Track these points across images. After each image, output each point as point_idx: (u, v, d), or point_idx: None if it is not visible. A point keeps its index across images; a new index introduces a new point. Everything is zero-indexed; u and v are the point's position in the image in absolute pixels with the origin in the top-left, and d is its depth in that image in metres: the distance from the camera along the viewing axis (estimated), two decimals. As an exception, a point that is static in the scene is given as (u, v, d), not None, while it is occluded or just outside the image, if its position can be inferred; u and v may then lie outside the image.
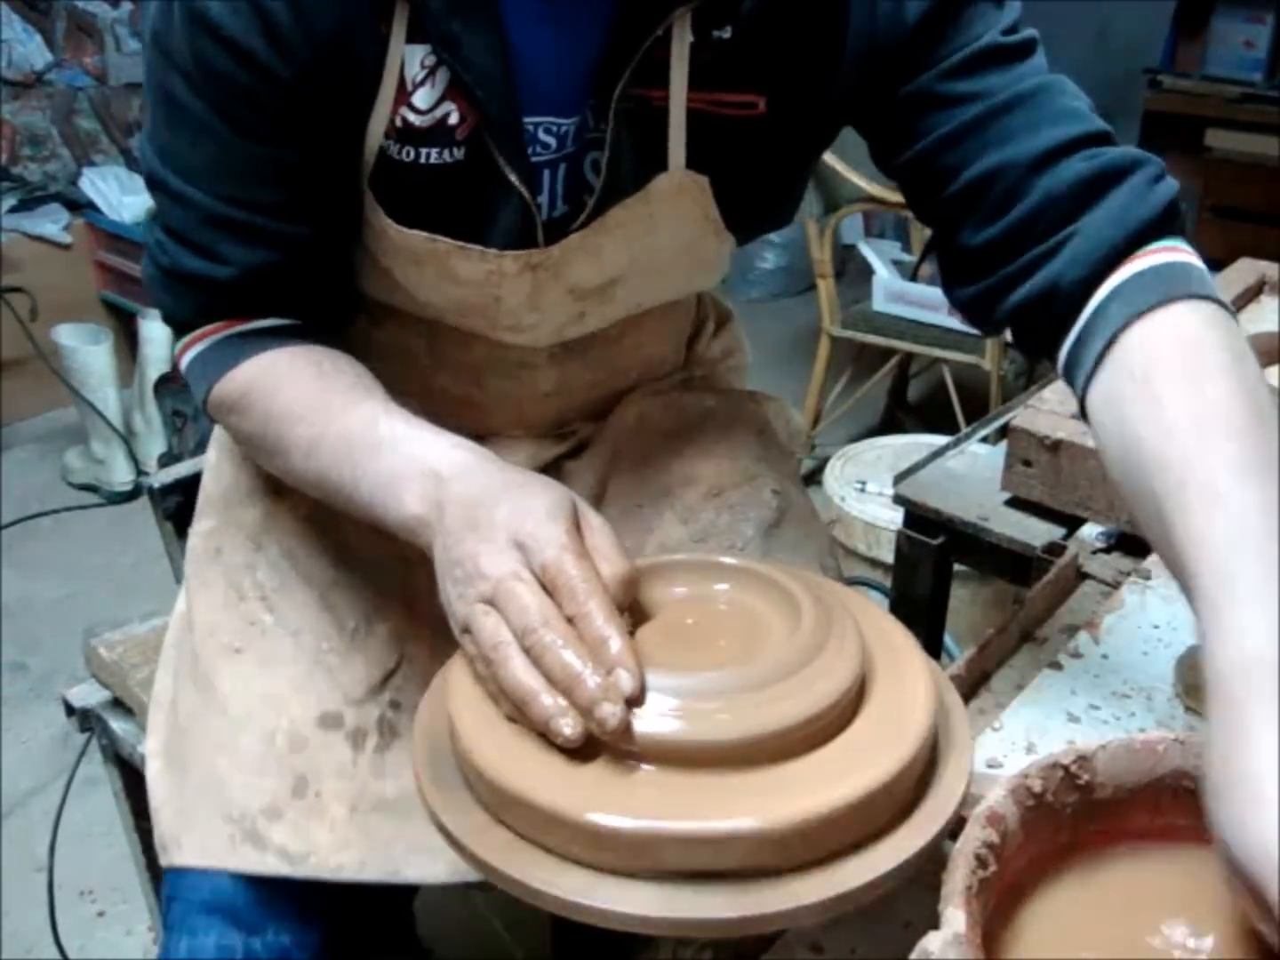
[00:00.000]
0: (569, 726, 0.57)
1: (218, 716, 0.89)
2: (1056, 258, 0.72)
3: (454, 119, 0.77)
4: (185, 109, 0.75)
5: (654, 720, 0.58)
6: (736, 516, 0.95)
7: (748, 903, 0.54)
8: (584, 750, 0.58)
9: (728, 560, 0.71)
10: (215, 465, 1.02)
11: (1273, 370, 1.22)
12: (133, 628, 1.21)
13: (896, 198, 2.37)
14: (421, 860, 0.85)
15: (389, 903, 0.98)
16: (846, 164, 2.60)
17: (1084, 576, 0.98)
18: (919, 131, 0.77)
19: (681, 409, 1.01)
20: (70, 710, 1.19)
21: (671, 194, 0.82)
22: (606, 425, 1.01)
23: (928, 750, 0.61)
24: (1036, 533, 1.03)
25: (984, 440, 1.27)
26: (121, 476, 2.86)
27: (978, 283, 0.77)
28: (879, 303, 2.86)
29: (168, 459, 2.81)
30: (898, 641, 0.67)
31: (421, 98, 0.76)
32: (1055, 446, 1.02)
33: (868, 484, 2.06)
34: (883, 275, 2.87)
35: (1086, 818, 0.57)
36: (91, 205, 3.23)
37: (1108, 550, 1.01)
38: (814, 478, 2.43)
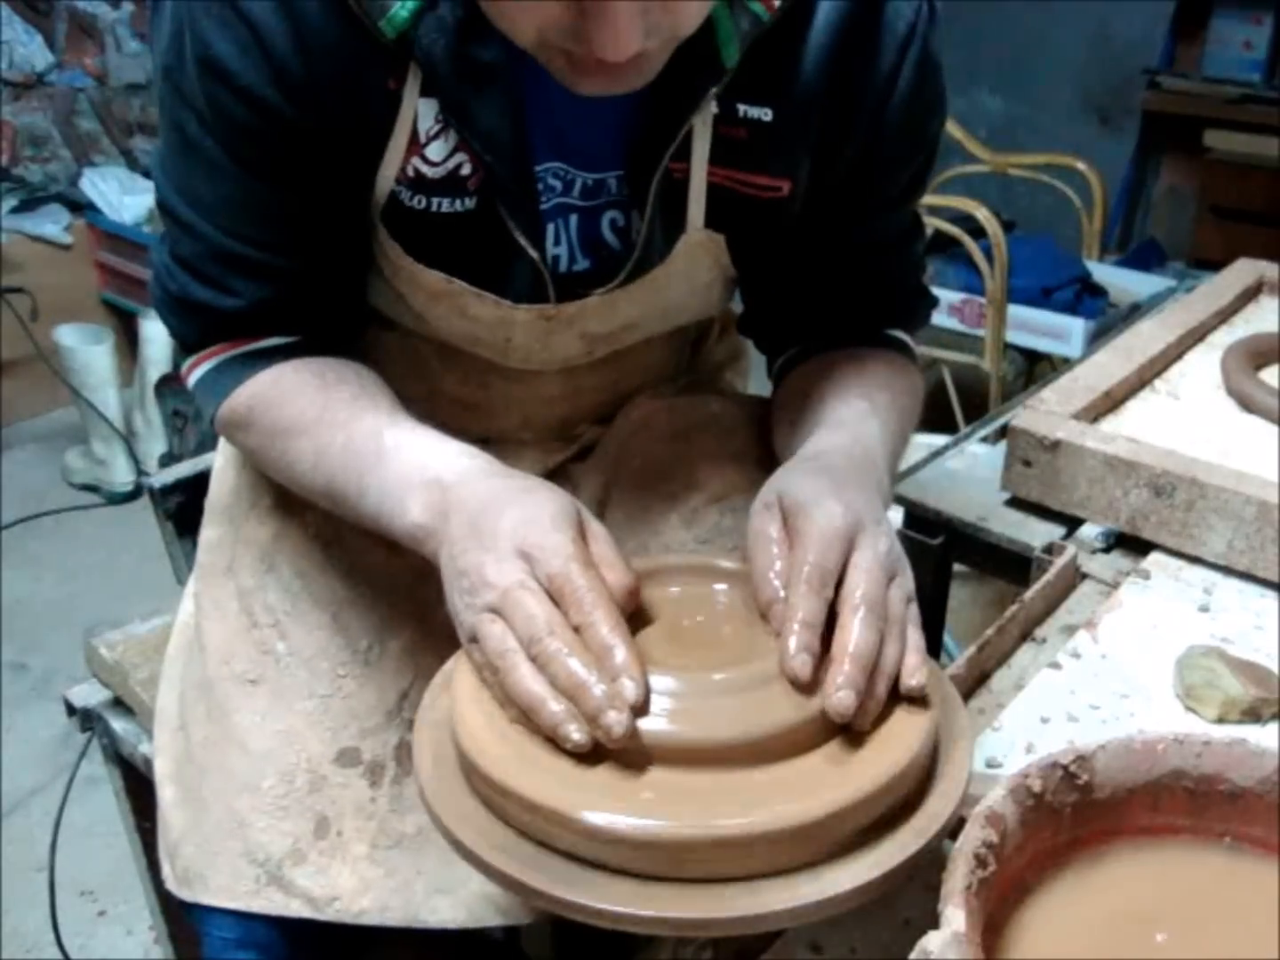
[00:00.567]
0: (577, 732, 0.58)
1: (236, 753, 0.89)
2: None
3: (466, 170, 0.78)
4: (197, 146, 0.76)
5: (657, 721, 0.58)
6: (740, 520, 0.95)
7: (748, 903, 0.54)
8: (588, 753, 0.58)
9: (727, 563, 0.71)
10: (221, 470, 1.02)
11: (1272, 370, 1.22)
12: (133, 628, 1.21)
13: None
14: (441, 904, 0.86)
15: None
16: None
17: (1084, 576, 0.98)
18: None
19: (686, 413, 1.01)
20: (71, 710, 1.19)
21: (688, 251, 0.85)
22: (612, 429, 1.01)
23: (928, 750, 0.61)
24: (1036, 533, 1.03)
25: (984, 440, 1.27)
26: (122, 476, 2.86)
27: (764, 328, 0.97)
28: (879, 303, 2.85)
29: (168, 459, 2.81)
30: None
31: (435, 150, 0.77)
32: (1055, 446, 1.02)
33: (868, 484, 2.05)
34: (883, 276, 2.86)
35: (1086, 817, 0.57)
36: (92, 206, 3.23)
37: (1108, 550, 1.01)
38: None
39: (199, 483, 1.11)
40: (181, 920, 1.08)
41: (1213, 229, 3.49)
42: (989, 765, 0.75)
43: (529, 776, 0.57)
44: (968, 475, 1.14)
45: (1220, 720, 0.79)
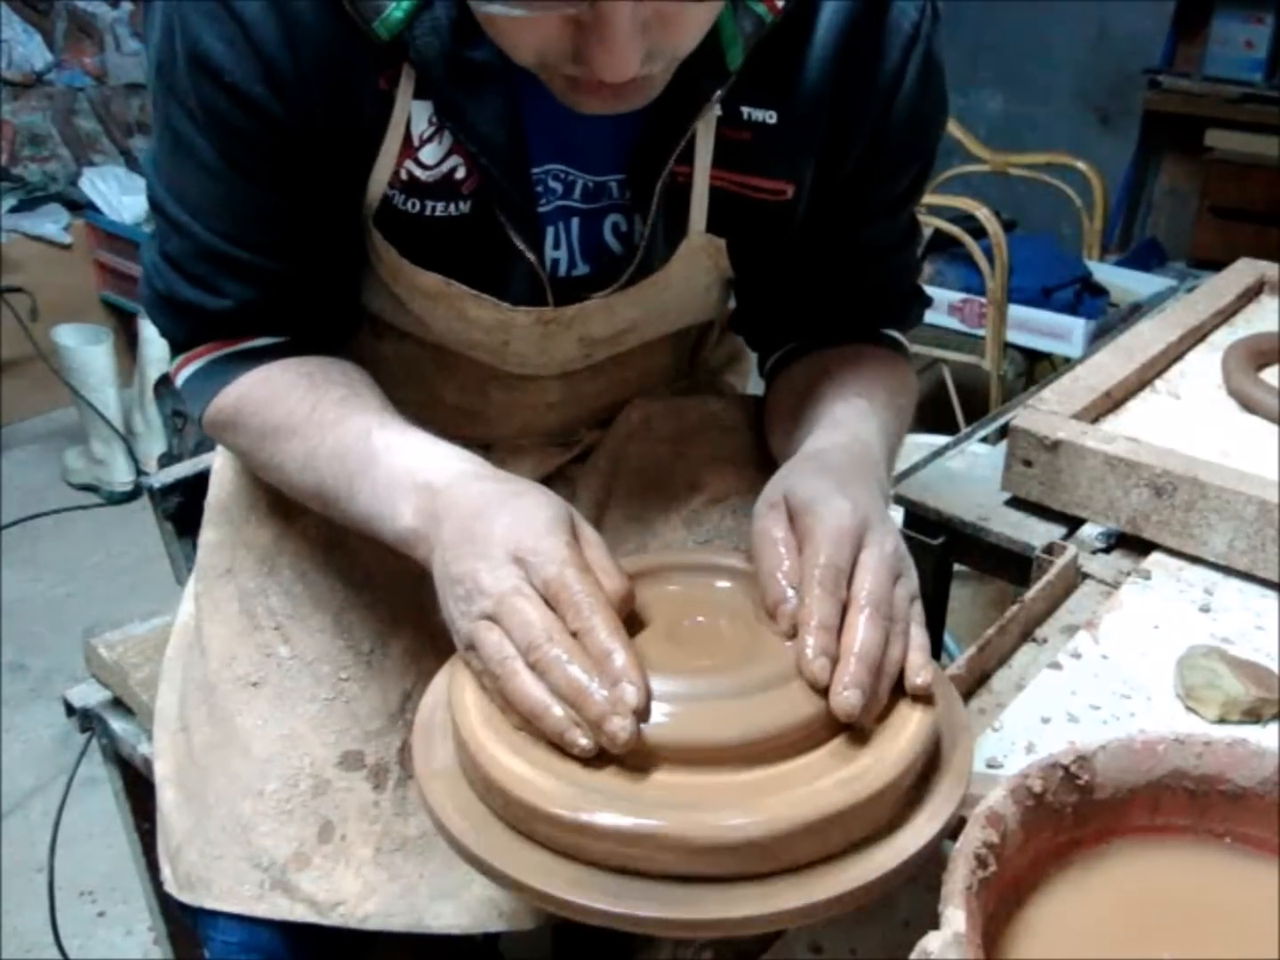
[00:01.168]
0: (583, 737, 0.57)
1: (238, 756, 0.89)
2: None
3: (460, 173, 0.77)
4: (188, 145, 0.75)
5: (661, 723, 0.58)
6: (741, 521, 0.95)
7: (748, 903, 0.54)
8: (594, 756, 0.58)
9: (729, 560, 0.71)
10: (221, 471, 1.01)
11: (1273, 370, 1.22)
12: (133, 628, 1.21)
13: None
14: (445, 908, 0.86)
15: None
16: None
17: (1084, 576, 0.98)
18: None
19: (686, 414, 1.01)
20: (70, 710, 1.19)
21: (689, 255, 0.84)
22: (611, 430, 1.01)
23: (928, 750, 0.61)
24: (1036, 533, 1.03)
25: (984, 440, 1.27)
26: (121, 476, 2.86)
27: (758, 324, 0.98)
28: (879, 303, 2.85)
29: (168, 459, 2.80)
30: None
31: (429, 153, 0.76)
32: (1055, 446, 1.02)
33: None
34: (883, 276, 2.86)
35: (1086, 817, 0.57)
36: (91, 205, 3.23)
37: (1108, 550, 1.01)
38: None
39: (198, 483, 1.11)
40: (181, 921, 1.08)
41: (1213, 229, 3.49)
42: (989, 765, 0.75)
43: (535, 781, 0.57)
44: (968, 475, 1.14)
45: (1221, 720, 0.79)
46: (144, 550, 2.45)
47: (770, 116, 0.78)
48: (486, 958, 0.97)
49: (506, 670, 0.60)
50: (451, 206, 0.78)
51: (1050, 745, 0.76)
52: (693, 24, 0.64)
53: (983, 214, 2.60)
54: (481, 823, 0.59)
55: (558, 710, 0.58)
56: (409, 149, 0.76)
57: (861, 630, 0.60)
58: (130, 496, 2.84)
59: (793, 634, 0.62)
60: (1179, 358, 1.27)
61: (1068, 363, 2.02)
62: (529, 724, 0.59)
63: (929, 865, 0.58)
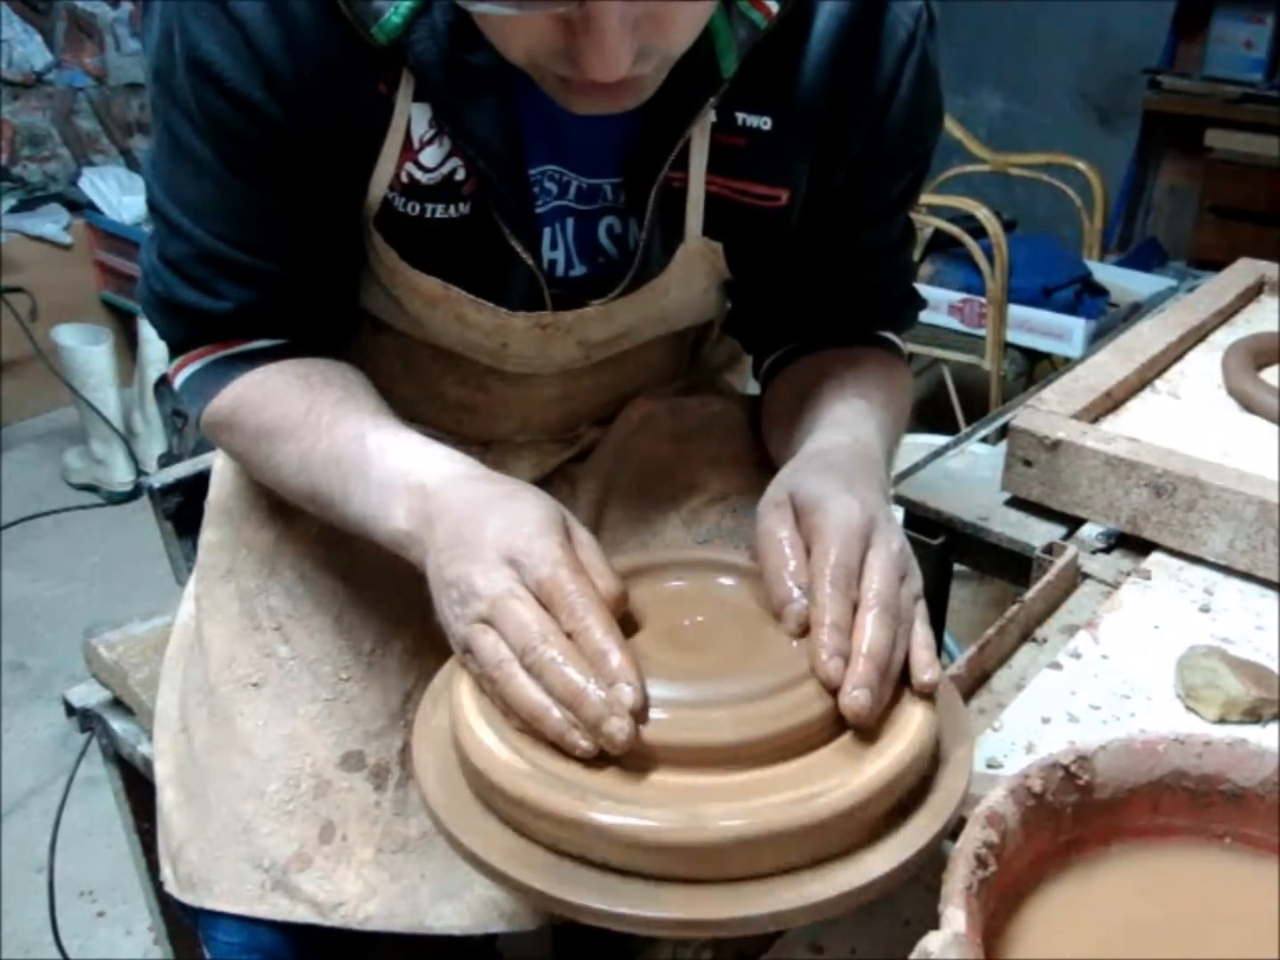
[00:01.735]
0: (584, 739, 0.57)
1: (239, 757, 0.89)
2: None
3: (460, 175, 0.77)
4: (186, 147, 0.75)
5: (661, 723, 0.58)
6: (741, 521, 0.95)
7: (747, 903, 0.54)
8: (595, 756, 0.58)
9: (731, 557, 0.71)
10: (221, 471, 1.01)
11: (1273, 370, 1.22)
12: (133, 628, 1.21)
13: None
14: (446, 909, 0.86)
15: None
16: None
17: (1084, 576, 0.98)
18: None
19: (686, 413, 1.01)
20: (70, 710, 1.19)
21: (686, 260, 0.85)
22: (611, 429, 1.01)
23: (928, 751, 0.61)
24: (1036, 533, 1.03)
25: (984, 440, 1.27)
26: (121, 476, 2.86)
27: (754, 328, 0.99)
28: (879, 303, 2.85)
29: (168, 459, 2.81)
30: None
31: (429, 156, 0.76)
32: (1055, 446, 1.02)
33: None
34: (882, 276, 2.86)
35: (1086, 818, 0.57)
36: (91, 205, 3.23)
37: (1108, 550, 1.01)
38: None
39: (198, 483, 1.11)
40: (181, 921, 1.08)
41: (1213, 229, 3.49)
42: (989, 765, 0.75)
43: (537, 782, 0.57)
44: (968, 475, 1.14)
45: (1221, 720, 0.79)
46: (144, 550, 2.45)
47: (765, 122, 0.79)
48: (485, 958, 0.97)
49: (504, 674, 0.60)
50: (451, 209, 0.79)
51: (1050, 745, 0.76)
52: (684, 23, 0.64)
53: (983, 214, 2.61)
54: (482, 823, 0.59)
55: (557, 713, 0.58)
56: (409, 152, 0.76)
57: (870, 630, 0.61)
58: (130, 496, 2.85)
59: (800, 634, 0.63)
60: (1179, 358, 1.27)
61: (1068, 363, 2.02)
62: (530, 727, 0.59)
63: (929, 865, 0.58)
